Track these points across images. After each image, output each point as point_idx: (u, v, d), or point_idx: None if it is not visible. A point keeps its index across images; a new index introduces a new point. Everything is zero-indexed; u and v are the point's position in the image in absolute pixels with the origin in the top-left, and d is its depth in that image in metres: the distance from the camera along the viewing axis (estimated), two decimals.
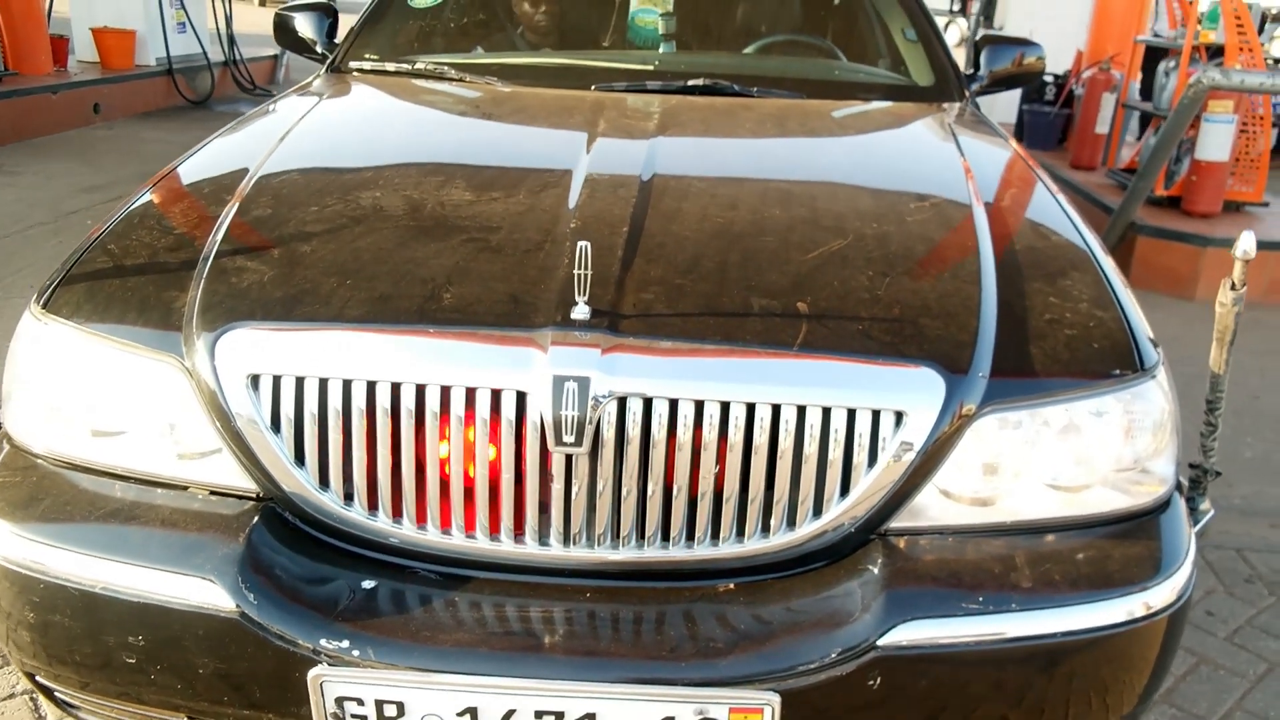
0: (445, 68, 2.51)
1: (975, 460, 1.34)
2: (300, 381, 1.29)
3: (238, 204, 1.62)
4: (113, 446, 1.38)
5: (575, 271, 1.28)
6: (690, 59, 2.77)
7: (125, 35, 8.19)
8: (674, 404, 1.26)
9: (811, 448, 1.27)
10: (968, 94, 2.66)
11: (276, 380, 1.30)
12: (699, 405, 1.26)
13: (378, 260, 1.44)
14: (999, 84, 2.87)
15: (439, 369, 1.27)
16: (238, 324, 1.33)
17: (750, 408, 1.26)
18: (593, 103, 2.26)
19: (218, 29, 9.31)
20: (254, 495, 1.35)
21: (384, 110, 2.29)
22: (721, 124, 2.23)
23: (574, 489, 1.27)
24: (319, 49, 2.85)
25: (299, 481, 1.31)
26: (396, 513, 1.31)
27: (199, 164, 1.91)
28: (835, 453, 1.28)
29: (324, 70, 2.66)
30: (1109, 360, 1.39)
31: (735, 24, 3.06)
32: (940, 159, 2.06)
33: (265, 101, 2.36)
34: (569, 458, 1.26)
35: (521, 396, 1.25)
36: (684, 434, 1.26)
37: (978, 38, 2.97)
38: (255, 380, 1.30)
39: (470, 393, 1.26)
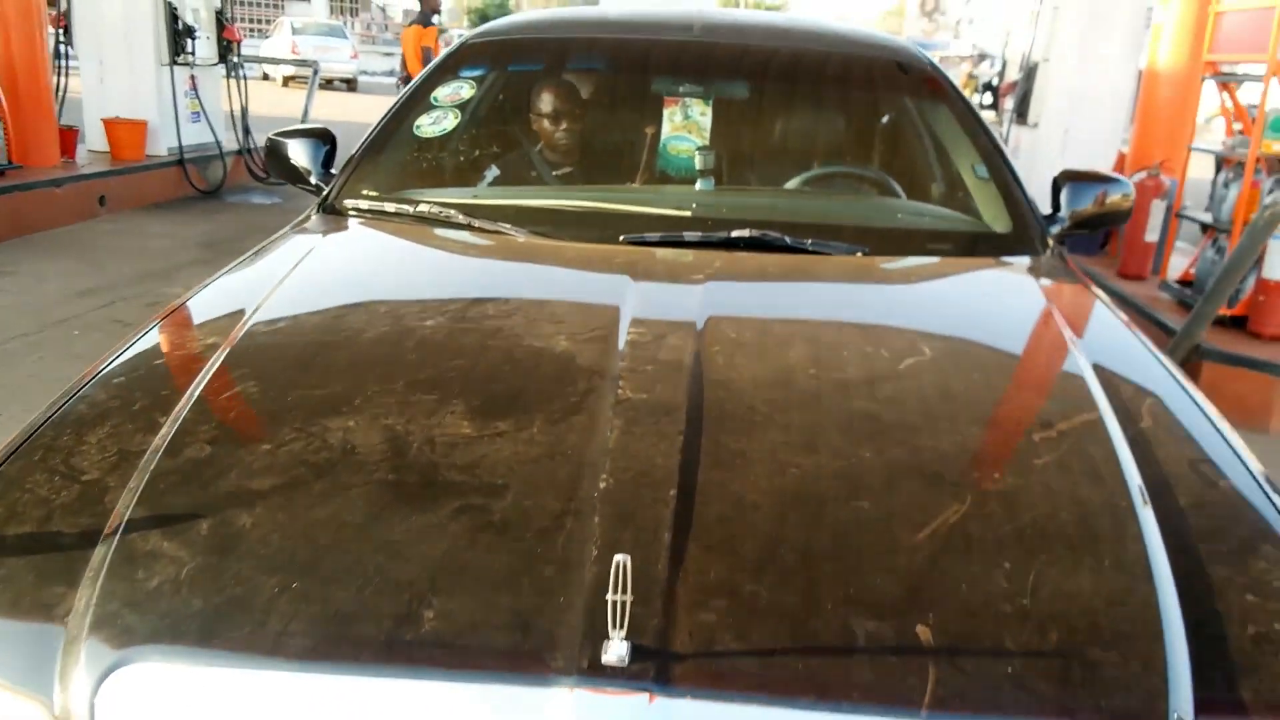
0: (452, 211, 2.16)
1: None
2: None
3: (168, 441, 1.25)
4: None
5: (610, 598, 0.91)
6: (732, 200, 2.41)
7: (137, 126, 8.02)
8: None
9: None
10: (1051, 242, 2.30)
11: None
12: None
13: (338, 545, 1.07)
14: (1081, 226, 2.51)
15: None
16: (133, 655, 0.95)
17: None
18: (621, 268, 1.88)
19: (231, 113, 9.15)
20: None
21: (373, 282, 1.92)
22: (777, 304, 1.86)
23: None
24: (313, 179, 2.53)
25: None
26: None
27: (130, 365, 1.51)
28: None
29: (316, 209, 2.33)
30: None
31: (781, 155, 2.72)
32: (1051, 355, 1.68)
33: (233, 262, 2.00)
34: None
35: None
36: None
37: (1060, 172, 2.62)
38: None
39: None
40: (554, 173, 2.64)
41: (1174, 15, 6.02)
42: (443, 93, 2.61)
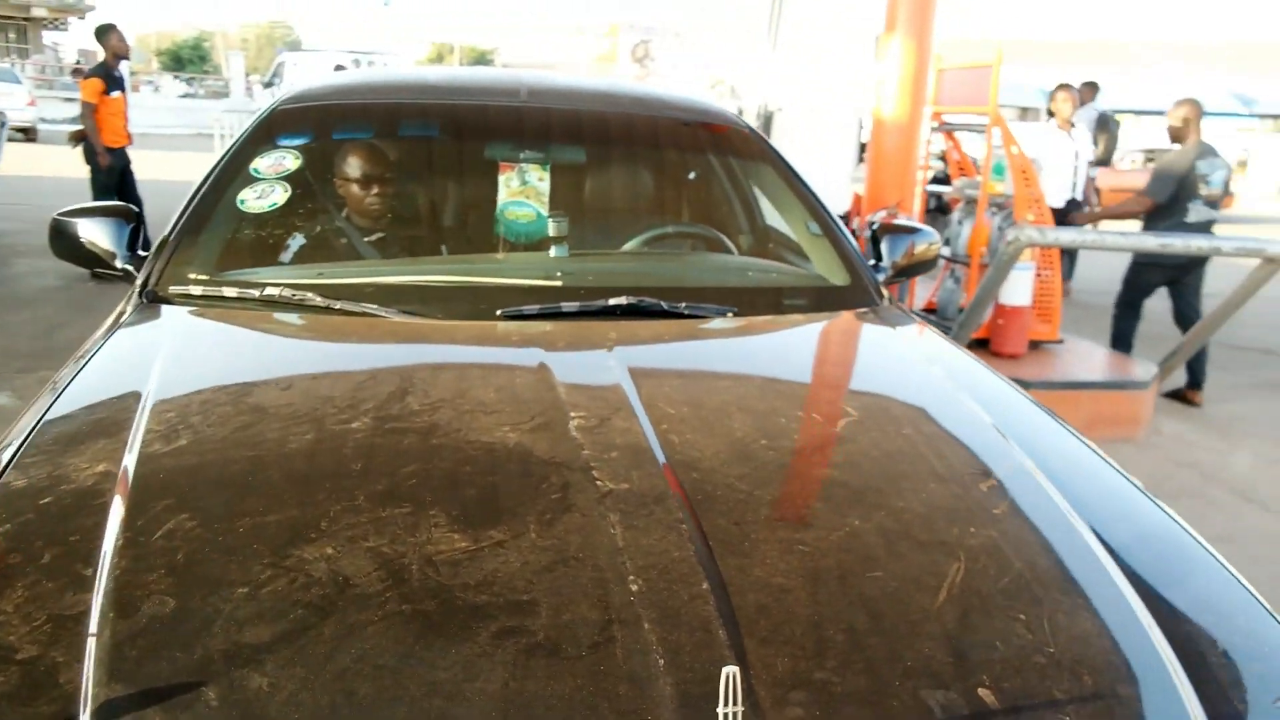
0: (309, 294, 1.96)
1: None
2: None
3: (107, 598, 1.03)
4: None
5: (721, 710, 0.88)
6: (595, 267, 2.38)
7: None
8: None
9: None
10: (885, 292, 2.46)
11: None
12: None
13: (384, 695, 0.94)
14: (901, 274, 2.70)
15: None
16: None
17: None
18: (522, 345, 1.84)
19: None
20: None
21: (260, 381, 1.69)
22: (692, 374, 1.87)
23: None
24: (119, 264, 2.21)
25: None
26: None
27: (6, 509, 1.22)
28: None
29: (136, 297, 2.03)
30: None
31: (622, 218, 2.73)
32: (951, 403, 1.80)
33: (62, 373, 1.67)
34: None
35: None
36: None
37: (875, 226, 2.79)
38: None
39: None
40: (396, 246, 2.48)
41: (895, 70, 6.65)
42: (264, 164, 2.38)
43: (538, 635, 1.02)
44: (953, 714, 1.00)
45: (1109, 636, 1.16)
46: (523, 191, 2.59)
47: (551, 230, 2.40)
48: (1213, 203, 5.31)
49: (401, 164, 2.57)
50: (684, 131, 2.87)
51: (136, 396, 1.50)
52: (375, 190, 2.46)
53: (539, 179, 2.58)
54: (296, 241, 2.33)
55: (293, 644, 0.99)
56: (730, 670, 0.89)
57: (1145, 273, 5.51)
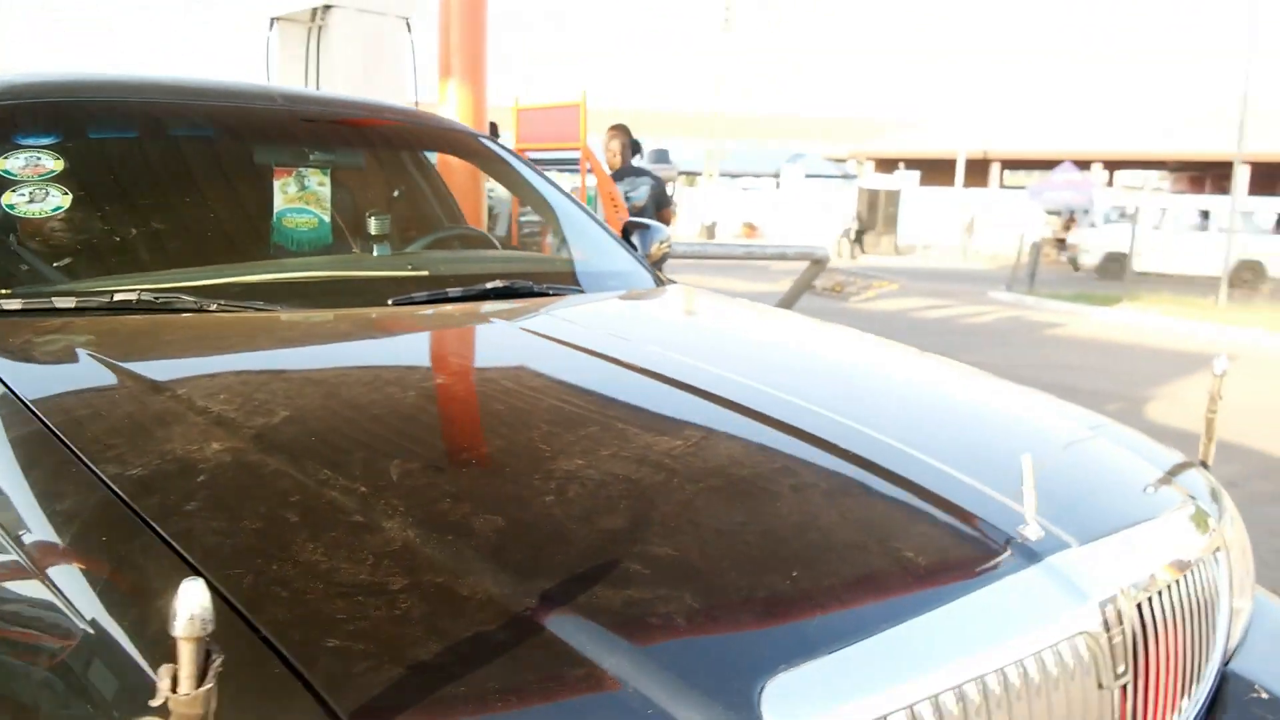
0: (186, 298, 1.81)
1: None
2: None
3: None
4: None
5: (1025, 490, 1.15)
6: (447, 259, 2.50)
7: None
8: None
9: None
10: (661, 274, 2.82)
11: None
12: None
13: (752, 552, 1.07)
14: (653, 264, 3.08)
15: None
16: None
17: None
18: (467, 322, 1.97)
19: None
20: None
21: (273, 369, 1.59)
22: (638, 325, 2.14)
23: None
24: None
25: None
26: None
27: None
28: None
29: None
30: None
31: (399, 220, 2.78)
32: (816, 331, 2.27)
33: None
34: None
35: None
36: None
37: (625, 222, 3.13)
38: None
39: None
40: (199, 249, 2.25)
41: (453, 111, 6.99)
42: (15, 165, 2.03)
43: (820, 485, 1.22)
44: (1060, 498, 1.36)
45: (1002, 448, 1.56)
46: (301, 197, 2.51)
47: (374, 229, 2.45)
48: (637, 212, 6.48)
49: (178, 166, 2.34)
50: (445, 141, 3.02)
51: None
52: (154, 193, 2.24)
53: (319, 184, 2.52)
54: (101, 246, 2.04)
55: (655, 518, 1.09)
56: (1027, 457, 1.15)
57: None
